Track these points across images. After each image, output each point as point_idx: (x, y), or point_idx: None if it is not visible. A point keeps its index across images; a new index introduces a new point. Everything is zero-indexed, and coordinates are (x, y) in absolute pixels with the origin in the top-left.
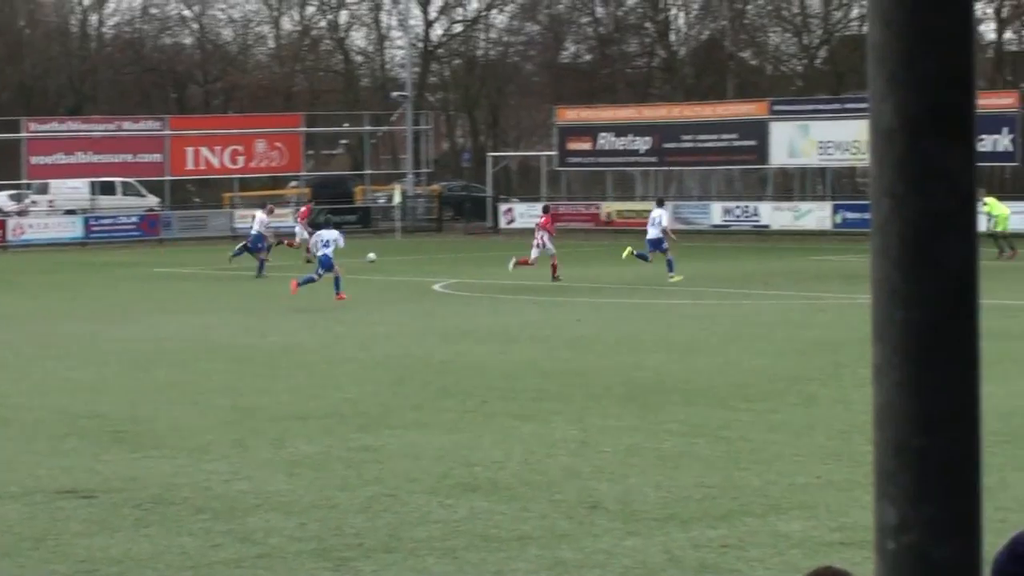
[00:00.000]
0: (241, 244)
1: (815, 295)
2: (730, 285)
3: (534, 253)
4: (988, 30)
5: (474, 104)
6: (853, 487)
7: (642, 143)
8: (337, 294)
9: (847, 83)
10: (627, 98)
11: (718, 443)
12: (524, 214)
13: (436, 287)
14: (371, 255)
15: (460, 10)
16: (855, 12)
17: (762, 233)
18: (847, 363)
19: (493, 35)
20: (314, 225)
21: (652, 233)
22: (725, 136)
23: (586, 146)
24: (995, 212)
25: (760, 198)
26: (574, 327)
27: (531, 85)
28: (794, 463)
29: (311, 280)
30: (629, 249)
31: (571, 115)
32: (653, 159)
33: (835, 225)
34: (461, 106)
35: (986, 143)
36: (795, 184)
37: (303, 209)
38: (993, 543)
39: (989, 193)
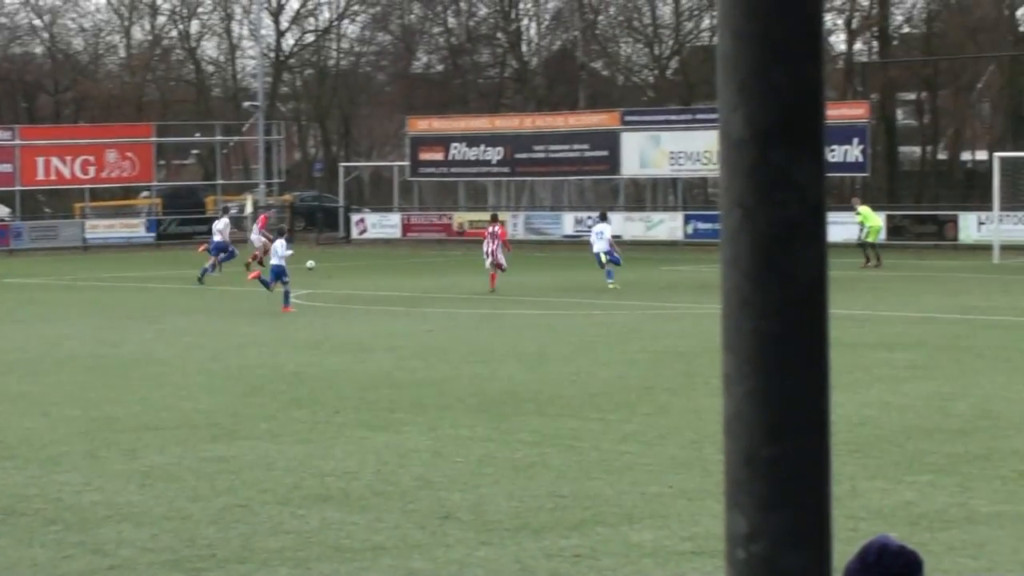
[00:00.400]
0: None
1: (667, 305)
2: (582, 295)
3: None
4: (838, 41)
5: (326, 114)
6: (705, 496)
7: (494, 153)
8: (285, 307)
9: (698, 94)
10: (479, 108)
11: (570, 453)
12: (376, 224)
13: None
14: (310, 263)
15: (312, 20)
16: (706, 23)
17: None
18: (699, 373)
19: (345, 45)
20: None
21: (600, 247)
22: (577, 146)
23: (438, 156)
24: (868, 223)
25: (612, 208)
26: (426, 338)
27: (383, 95)
28: (646, 473)
29: (268, 285)
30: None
31: (423, 125)
32: (505, 169)
33: (687, 235)
34: (313, 116)
35: (836, 154)
36: (647, 195)
37: (262, 217)
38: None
39: (864, 202)
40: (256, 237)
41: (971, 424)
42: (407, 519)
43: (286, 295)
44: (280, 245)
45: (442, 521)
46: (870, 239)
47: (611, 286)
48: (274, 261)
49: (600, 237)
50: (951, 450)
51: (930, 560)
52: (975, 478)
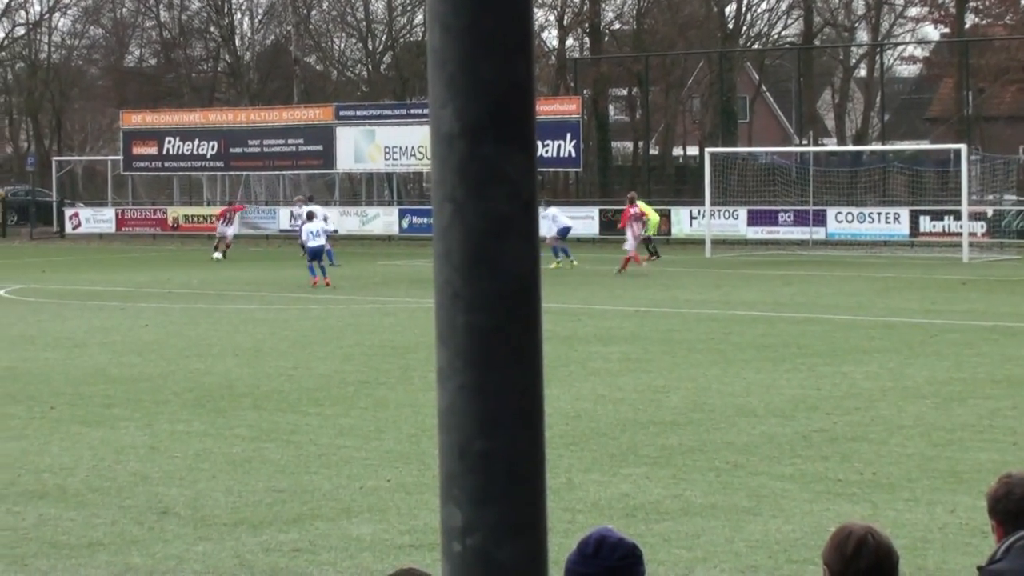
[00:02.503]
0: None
1: (383, 299)
2: (298, 290)
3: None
4: (550, 37)
5: (38, 107)
6: (422, 490)
7: (208, 148)
8: (317, 278)
9: (412, 89)
10: (193, 102)
11: (288, 447)
12: (90, 219)
13: (1, 292)
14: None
15: (23, 13)
16: (419, 19)
17: (331, 238)
18: (415, 367)
19: (56, 38)
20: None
21: (550, 228)
22: (292, 141)
23: (152, 150)
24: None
25: (327, 203)
26: (142, 332)
27: (96, 89)
28: (364, 467)
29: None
30: (559, 262)
31: (136, 119)
32: (220, 164)
33: (402, 230)
34: (25, 110)
35: (549, 149)
36: (362, 189)
37: (223, 209)
38: (561, 544)
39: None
40: (223, 227)
41: (684, 416)
42: (124, 515)
43: (322, 268)
44: (318, 227)
45: (160, 517)
46: (650, 232)
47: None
48: (313, 242)
49: (555, 220)
50: (665, 442)
51: (646, 552)
52: (689, 469)
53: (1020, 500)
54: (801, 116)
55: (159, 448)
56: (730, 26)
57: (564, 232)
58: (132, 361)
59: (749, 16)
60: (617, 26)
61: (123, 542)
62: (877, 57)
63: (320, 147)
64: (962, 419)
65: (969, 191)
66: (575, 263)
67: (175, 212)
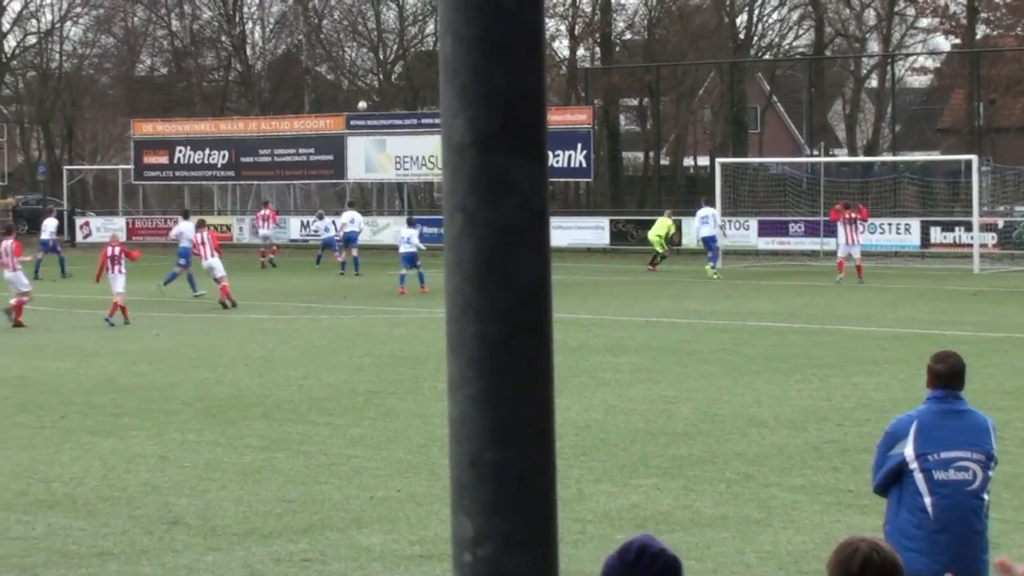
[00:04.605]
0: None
1: (393, 309)
2: (308, 300)
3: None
4: (561, 47)
5: (49, 116)
6: (433, 500)
7: (219, 157)
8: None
9: (423, 98)
10: (204, 112)
11: (298, 457)
12: (101, 228)
13: (12, 301)
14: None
15: (34, 22)
16: (430, 28)
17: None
18: (426, 377)
19: (68, 47)
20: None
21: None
22: (303, 150)
23: (163, 160)
24: (659, 232)
25: (339, 212)
26: (153, 342)
27: (107, 98)
28: (374, 477)
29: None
30: None
31: (147, 128)
32: (231, 173)
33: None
34: (36, 118)
35: (560, 159)
36: (372, 198)
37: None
38: (571, 554)
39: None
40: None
41: (695, 427)
42: (134, 524)
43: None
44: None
45: (169, 526)
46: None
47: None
48: (404, 248)
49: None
50: (675, 453)
51: None
52: (699, 480)
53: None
54: (812, 127)
55: (169, 458)
56: (741, 36)
57: (353, 238)
58: (142, 370)
59: (760, 26)
60: (628, 36)
61: (133, 552)
62: (888, 68)
63: (331, 156)
64: None
65: (980, 202)
66: None
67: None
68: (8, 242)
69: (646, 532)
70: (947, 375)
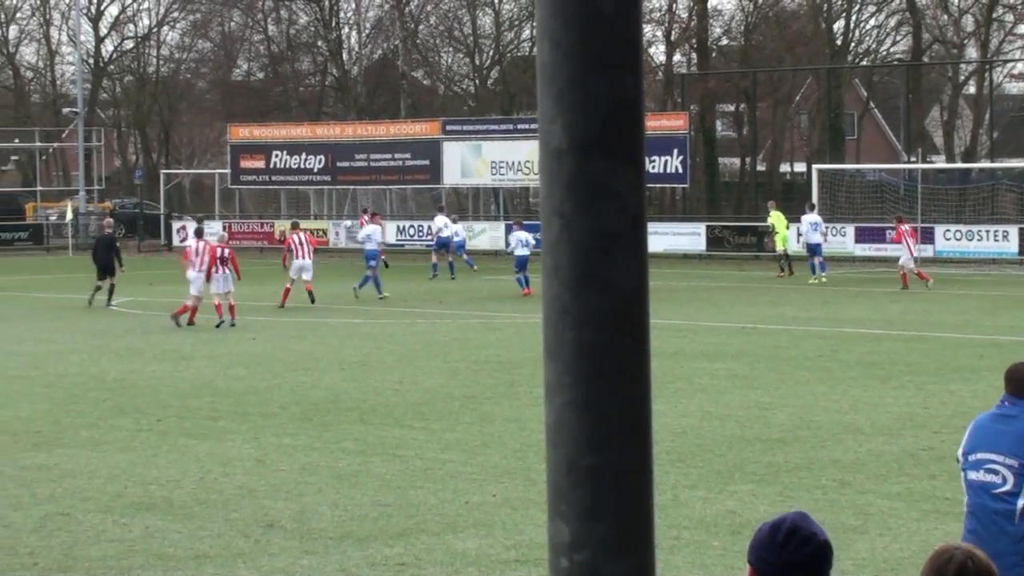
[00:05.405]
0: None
1: (489, 314)
2: (404, 304)
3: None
4: (657, 52)
5: (146, 121)
6: (528, 505)
7: (316, 161)
8: (528, 289)
9: (519, 104)
10: (300, 116)
11: (394, 461)
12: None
13: (110, 305)
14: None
15: (131, 26)
16: (526, 33)
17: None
18: (521, 382)
19: (165, 52)
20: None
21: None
22: (399, 155)
23: (259, 164)
24: (778, 229)
25: (434, 217)
26: (249, 345)
27: (203, 102)
28: (469, 481)
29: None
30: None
31: (244, 133)
32: (327, 178)
33: (508, 245)
34: (133, 123)
35: (657, 165)
36: (468, 204)
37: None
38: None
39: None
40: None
41: (791, 434)
42: (230, 527)
43: (521, 281)
44: (524, 236)
45: (266, 530)
46: (781, 247)
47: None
48: (519, 252)
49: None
50: (772, 459)
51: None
52: (795, 487)
53: None
54: (909, 133)
55: (265, 461)
56: (838, 42)
57: (446, 243)
58: (239, 374)
59: (857, 32)
60: (724, 42)
61: (229, 555)
62: (986, 74)
63: (427, 162)
64: None
65: None
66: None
67: (282, 225)
68: (200, 243)
69: (799, 510)
70: (1008, 380)
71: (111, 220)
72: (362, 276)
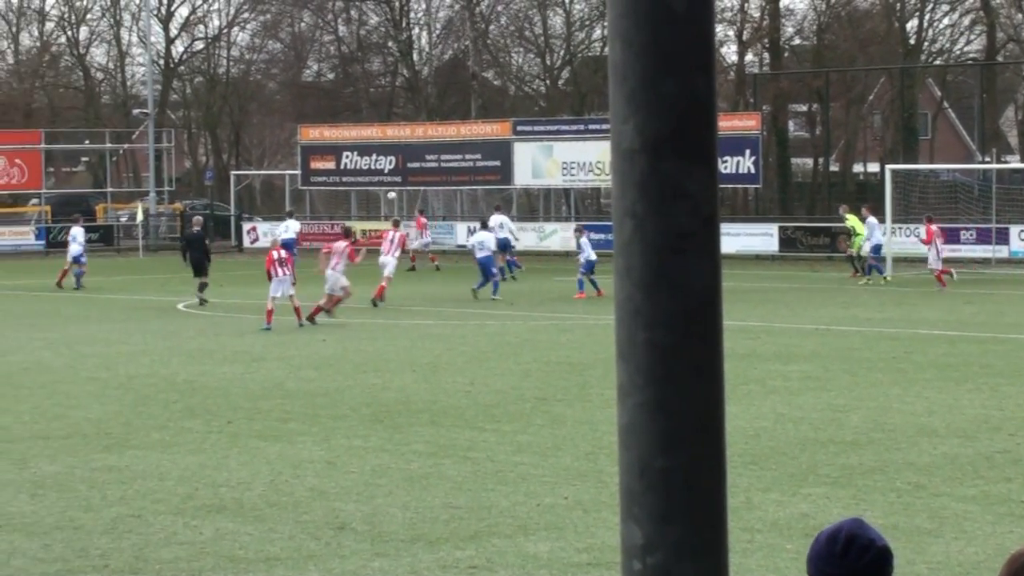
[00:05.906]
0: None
1: (560, 316)
2: (475, 305)
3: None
4: (729, 52)
5: (216, 122)
6: (600, 508)
7: (386, 162)
8: (584, 293)
9: (590, 104)
10: (370, 117)
11: (465, 464)
12: (268, 233)
13: (180, 306)
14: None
15: (201, 27)
16: (597, 33)
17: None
18: (593, 384)
19: (235, 53)
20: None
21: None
22: (469, 156)
23: (330, 165)
24: (856, 232)
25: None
26: (319, 347)
27: (273, 103)
28: (541, 484)
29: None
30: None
31: (314, 134)
32: (397, 179)
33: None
34: (203, 124)
35: (729, 165)
36: (539, 204)
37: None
38: (740, 563)
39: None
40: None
41: (865, 436)
42: (301, 530)
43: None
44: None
45: (336, 532)
46: (854, 249)
47: (494, 299)
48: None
49: (482, 247)
50: (845, 462)
51: None
52: (870, 490)
53: None
54: (983, 133)
55: (336, 463)
56: (911, 42)
57: (505, 245)
58: (309, 376)
59: (931, 31)
60: (797, 41)
61: (300, 557)
62: None
63: (498, 162)
64: None
65: None
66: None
67: (352, 227)
68: (342, 244)
69: (856, 517)
70: None
71: (200, 219)
72: (491, 283)
